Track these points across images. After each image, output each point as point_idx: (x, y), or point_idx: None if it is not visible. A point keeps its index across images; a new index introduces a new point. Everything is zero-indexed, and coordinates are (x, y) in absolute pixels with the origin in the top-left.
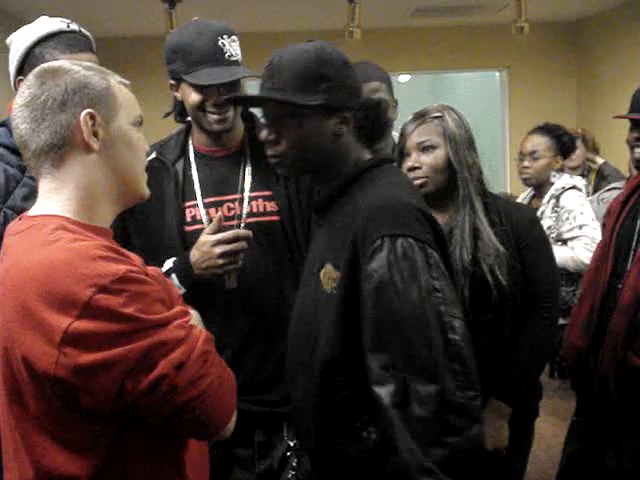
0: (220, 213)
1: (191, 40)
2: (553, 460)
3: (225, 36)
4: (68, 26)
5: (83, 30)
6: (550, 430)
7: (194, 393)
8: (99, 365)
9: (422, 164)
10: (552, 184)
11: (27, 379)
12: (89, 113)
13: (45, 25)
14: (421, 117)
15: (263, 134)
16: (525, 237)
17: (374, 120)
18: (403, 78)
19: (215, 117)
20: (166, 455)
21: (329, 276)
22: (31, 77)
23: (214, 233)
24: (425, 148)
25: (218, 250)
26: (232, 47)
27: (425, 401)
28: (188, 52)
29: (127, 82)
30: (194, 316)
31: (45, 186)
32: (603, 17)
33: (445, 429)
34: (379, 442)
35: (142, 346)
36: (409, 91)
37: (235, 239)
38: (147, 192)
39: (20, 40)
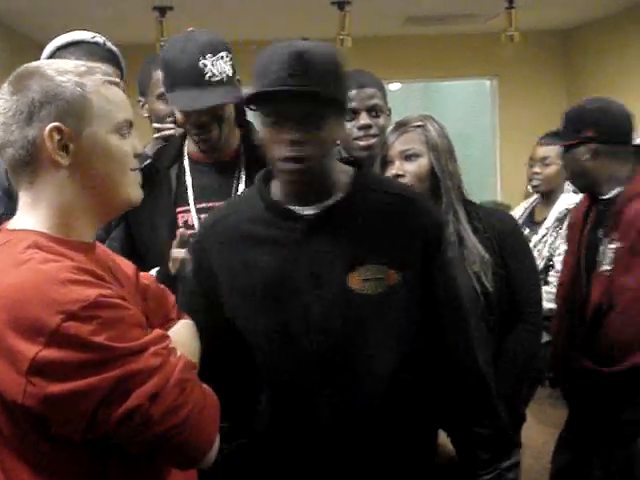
0: (181, 230)
1: (174, 58)
2: (544, 468)
3: (209, 55)
4: (92, 38)
5: (109, 44)
6: (540, 438)
7: (170, 423)
8: (68, 395)
9: (406, 172)
10: (562, 192)
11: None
12: (54, 128)
13: (70, 35)
14: (403, 126)
15: (293, 135)
16: (507, 245)
17: None
18: (394, 86)
19: (197, 138)
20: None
21: (375, 277)
22: (5, 85)
23: (182, 247)
24: (408, 156)
25: (189, 267)
26: (215, 66)
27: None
28: (170, 70)
29: (115, 80)
30: (186, 327)
31: (22, 199)
32: (593, 26)
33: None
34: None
35: (113, 376)
36: (400, 99)
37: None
38: (135, 197)
39: (46, 48)
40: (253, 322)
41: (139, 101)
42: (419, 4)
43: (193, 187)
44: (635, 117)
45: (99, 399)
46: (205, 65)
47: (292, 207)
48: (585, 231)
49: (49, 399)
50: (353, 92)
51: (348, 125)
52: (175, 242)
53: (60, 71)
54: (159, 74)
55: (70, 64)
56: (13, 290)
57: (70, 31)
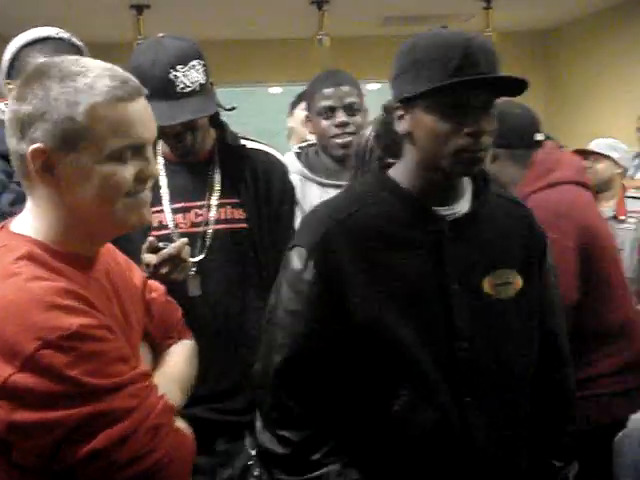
0: (150, 239)
1: (145, 69)
2: None
3: (179, 66)
4: (57, 34)
5: (74, 39)
6: None
7: (137, 470)
8: (32, 425)
9: None
10: None
11: None
12: (37, 149)
13: (34, 31)
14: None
15: (480, 125)
16: None
17: None
18: (372, 86)
19: (173, 147)
20: None
21: (505, 281)
22: (17, 87)
23: (152, 252)
24: None
25: (163, 270)
26: (188, 77)
27: None
28: (141, 81)
29: (123, 94)
30: (185, 348)
31: (28, 202)
32: (570, 27)
33: None
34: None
35: (82, 413)
36: (379, 100)
37: (176, 254)
38: (133, 221)
39: (10, 45)
40: (393, 328)
41: (8, 84)
42: (397, 4)
43: (168, 187)
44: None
45: (64, 434)
46: (176, 77)
47: (435, 208)
48: None
49: (13, 426)
50: (330, 90)
51: (325, 123)
52: (145, 247)
53: (65, 83)
54: None
55: (74, 69)
56: None
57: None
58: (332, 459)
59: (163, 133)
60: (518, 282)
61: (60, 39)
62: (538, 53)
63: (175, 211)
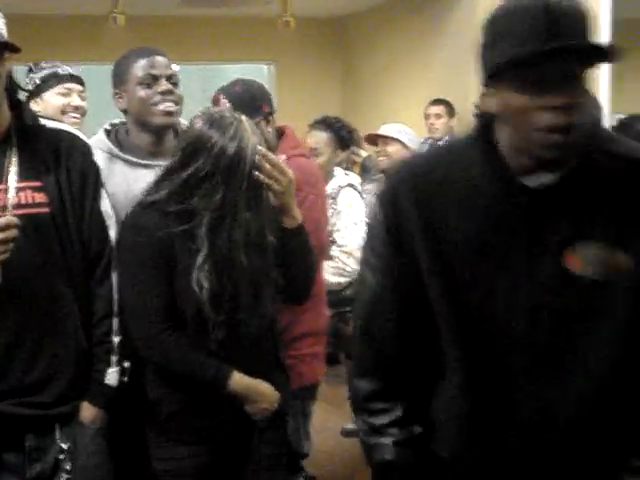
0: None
1: None
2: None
3: None
4: None
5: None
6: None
7: None
8: None
9: None
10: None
11: None
12: None
13: None
14: None
15: (563, 100)
16: None
17: None
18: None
19: None
20: None
21: (598, 259)
22: None
23: None
24: None
25: None
26: None
27: None
28: None
29: None
30: None
31: None
32: (367, 14)
33: None
34: None
35: None
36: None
37: (7, 226)
38: None
39: None
40: (453, 297)
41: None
42: None
43: None
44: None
45: None
46: None
47: (523, 179)
48: None
49: None
50: (149, 59)
51: (146, 92)
52: None
53: None
54: None
55: None
56: None
57: None
58: None
59: None
60: (620, 261)
61: None
62: (335, 38)
63: None
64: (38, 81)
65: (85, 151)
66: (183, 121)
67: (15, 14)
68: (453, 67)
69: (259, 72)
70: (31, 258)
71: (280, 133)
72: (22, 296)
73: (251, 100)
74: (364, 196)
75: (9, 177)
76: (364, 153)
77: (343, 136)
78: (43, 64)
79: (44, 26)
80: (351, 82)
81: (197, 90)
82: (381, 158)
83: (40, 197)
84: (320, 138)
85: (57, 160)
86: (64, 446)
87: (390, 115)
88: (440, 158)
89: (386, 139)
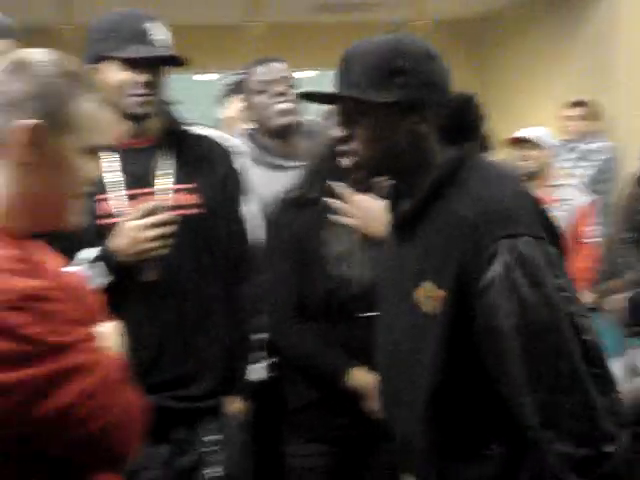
0: (154, 203)
1: (119, 21)
2: None
3: (150, 20)
4: None
5: None
6: None
7: (101, 423)
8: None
9: None
10: None
11: None
12: (31, 125)
13: None
14: None
15: (337, 131)
16: None
17: (463, 118)
18: (308, 74)
19: (139, 99)
20: None
21: (429, 295)
22: (6, 60)
23: (141, 219)
24: None
25: (149, 234)
26: (158, 31)
27: (575, 416)
28: (118, 31)
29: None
30: (110, 329)
31: None
32: (501, 16)
33: (599, 437)
34: (506, 461)
35: (46, 371)
36: (315, 87)
37: (165, 223)
38: (72, 223)
39: None
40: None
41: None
42: None
43: (112, 174)
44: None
45: (31, 394)
46: (149, 28)
47: (396, 201)
48: None
49: None
50: (264, 67)
51: (261, 97)
52: (136, 213)
53: (62, 72)
54: None
55: (76, 67)
56: None
57: None
58: None
59: (136, 84)
60: (439, 298)
61: None
62: (466, 42)
63: (127, 198)
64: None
65: (229, 156)
66: (311, 119)
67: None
68: (591, 68)
69: None
70: (184, 257)
71: None
72: (175, 294)
73: None
74: None
75: (165, 179)
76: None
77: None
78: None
79: (188, 35)
80: (483, 85)
81: None
82: (523, 163)
83: (193, 199)
84: None
85: (205, 164)
86: (211, 439)
87: (524, 117)
88: None
89: (529, 143)
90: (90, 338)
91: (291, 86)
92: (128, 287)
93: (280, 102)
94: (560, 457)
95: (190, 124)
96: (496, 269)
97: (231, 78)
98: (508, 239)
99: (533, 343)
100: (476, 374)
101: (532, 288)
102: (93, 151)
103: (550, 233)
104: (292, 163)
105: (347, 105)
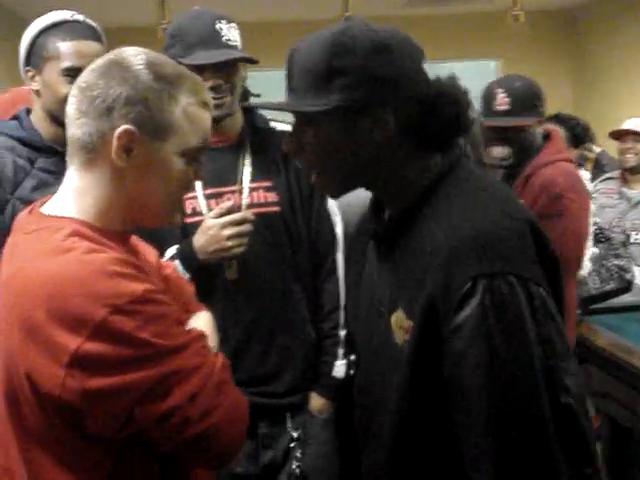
0: (232, 201)
1: (190, 24)
2: None
3: (224, 21)
4: (72, 16)
5: (88, 21)
6: None
7: (206, 425)
8: (108, 391)
9: None
10: None
11: (30, 396)
12: (127, 131)
13: (50, 16)
14: None
15: (285, 144)
16: None
17: (436, 117)
18: None
19: (212, 102)
20: (173, 475)
21: (400, 324)
22: (100, 62)
23: (219, 217)
24: None
25: (227, 232)
26: (230, 32)
27: None
28: (185, 35)
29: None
30: (204, 319)
31: (69, 182)
32: (599, 6)
33: None
34: None
35: (155, 374)
36: None
37: (243, 221)
38: (172, 223)
39: (27, 31)
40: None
41: (28, 71)
42: None
43: None
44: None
45: (139, 396)
46: (221, 29)
47: (376, 212)
48: None
49: (88, 393)
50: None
51: None
52: (215, 211)
53: (158, 75)
54: (65, 46)
55: (171, 69)
56: (55, 279)
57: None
58: None
59: (208, 87)
60: (408, 330)
61: (76, 22)
62: (565, 32)
63: (208, 197)
64: None
65: None
66: None
67: (247, 22)
68: None
69: (485, 68)
70: (264, 255)
71: (545, 135)
72: (256, 291)
73: (532, 98)
74: (594, 195)
75: (243, 178)
76: (597, 149)
77: (577, 133)
78: None
79: (282, 32)
80: (583, 76)
81: None
82: (628, 155)
83: (271, 196)
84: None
85: (286, 161)
86: (295, 434)
87: (627, 110)
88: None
89: (635, 135)
90: (196, 339)
91: None
92: (210, 286)
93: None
94: None
95: (277, 121)
96: (468, 312)
97: None
98: (486, 278)
99: (500, 404)
100: (438, 417)
101: (507, 340)
102: (193, 152)
103: (546, 267)
104: None
105: (293, 115)
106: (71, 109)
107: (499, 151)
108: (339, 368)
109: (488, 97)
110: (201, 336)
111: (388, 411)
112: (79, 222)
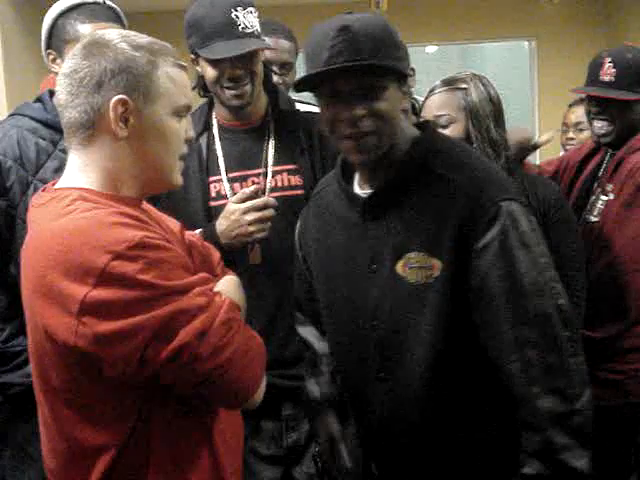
0: (255, 186)
1: (205, 13)
2: None
3: (239, 8)
4: None
5: (109, 2)
6: None
7: (217, 362)
8: (118, 334)
9: None
10: None
11: (50, 351)
12: (121, 100)
13: None
14: (445, 86)
15: (353, 111)
16: (552, 215)
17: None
18: (430, 49)
19: (232, 92)
20: (195, 427)
21: (416, 266)
22: (79, 46)
23: (242, 202)
24: (442, 123)
25: (249, 217)
26: (247, 19)
27: (554, 374)
28: (201, 26)
29: (184, 64)
30: (231, 282)
31: (72, 161)
32: None
33: (572, 395)
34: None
35: (162, 314)
36: (437, 62)
37: (265, 206)
38: (178, 182)
39: (48, 14)
40: (325, 296)
41: (49, 54)
42: None
43: (224, 156)
44: None
45: (148, 336)
46: (237, 17)
47: (355, 188)
48: (579, 179)
49: (100, 338)
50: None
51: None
52: (235, 197)
53: (134, 46)
54: (85, 29)
55: (144, 40)
56: (59, 235)
57: None
58: None
59: (225, 78)
60: (435, 267)
61: (95, 3)
62: (599, 12)
63: (232, 180)
64: None
65: None
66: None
67: (276, 5)
68: None
69: (519, 49)
70: (287, 238)
71: None
72: (279, 275)
73: (638, 73)
74: None
75: (267, 161)
76: None
77: None
78: None
79: (309, 14)
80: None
81: (456, 70)
82: None
83: (295, 180)
84: (583, 113)
85: (311, 143)
86: None
87: None
88: (329, 176)
89: None
90: (201, 282)
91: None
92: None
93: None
94: (545, 412)
95: (302, 102)
96: (494, 231)
97: None
98: (506, 202)
99: (522, 306)
100: (474, 342)
101: (524, 251)
102: (183, 111)
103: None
104: None
105: (368, 79)
106: (62, 96)
107: (599, 126)
108: None
109: (595, 65)
110: (206, 279)
111: (420, 344)
112: (85, 189)
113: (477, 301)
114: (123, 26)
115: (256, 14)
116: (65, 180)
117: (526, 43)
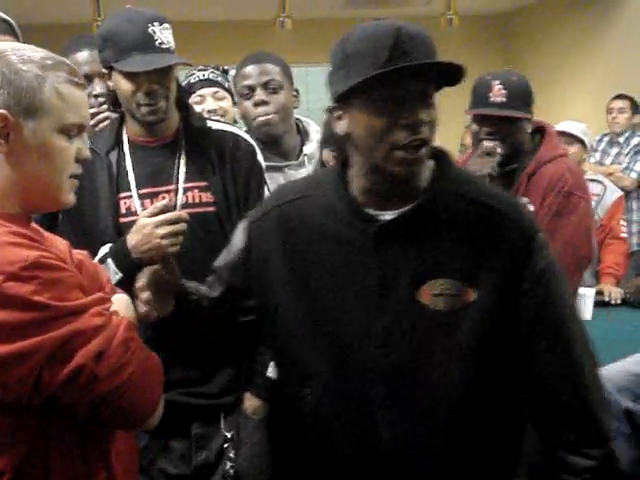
0: (166, 200)
1: (121, 27)
2: None
3: (156, 23)
4: None
5: (2, 15)
6: None
7: (116, 383)
8: (13, 356)
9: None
10: None
11: None
12: (0, 115)
13: None
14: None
15: (418, 115)
16: None
17: None
18: None
19: (147, 108)
20: (91, 447)
21: (442, 293)
22: None
23: (153, 216)
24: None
25: (161, 231)
26: (163, 35)
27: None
28: (118, 39)
29: (78, 80)
30: (122, 301)
31: None
32: (530, 10)
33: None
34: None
35: (57, 335)
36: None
37: (177, 220)
38: (67, 201)
39: None
40: (304, 322)
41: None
42: None
43: (134, 172)
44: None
45: (44, 359)
46: (154, 32)
47: (369, 210)
48: None
49: None
50: (249, 68)
51: (246, 104)
52: (147, 211)
53: (24, 59)
54: (83, 56)
55: (38, 54)
56: None
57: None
58: None
59: (141, 93)
60: (469, 295)
61: None
62: (498, 35)
63: (143, 196)
64: None
65: (251, 151)
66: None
67: (182, 21)
68: (623, 63)
69: None
70: (199, 256)
71: (535, 131)
72: None
73: (526, 94)
74: None
75: (178, 178)
76: None
77: None
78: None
79: (215, 31)
80: None
81: None
82: None
83: (206, 197)
84: None
85: (222, 160)
86: (228, 435)
87: (556, 113)
88: (304, 184)
89: (568, 138)
90: (97, 302)
91: (277, 90)
92: None
93: (260, 115)
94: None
95: (214, 120)
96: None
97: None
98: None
99: (580, 328)
100: (505, 369)
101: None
102: (73, 129)
103: None
104: (286, 162)
105: (428, 85)
106: None
107: (490, 146)
108: (273, 369)
109: (482, 88)
110: (102, 299)
111: (444, 373)
112: None
113: (541, 329)
114: (17, 38)
115: (170, 31)
116: None
117: None
